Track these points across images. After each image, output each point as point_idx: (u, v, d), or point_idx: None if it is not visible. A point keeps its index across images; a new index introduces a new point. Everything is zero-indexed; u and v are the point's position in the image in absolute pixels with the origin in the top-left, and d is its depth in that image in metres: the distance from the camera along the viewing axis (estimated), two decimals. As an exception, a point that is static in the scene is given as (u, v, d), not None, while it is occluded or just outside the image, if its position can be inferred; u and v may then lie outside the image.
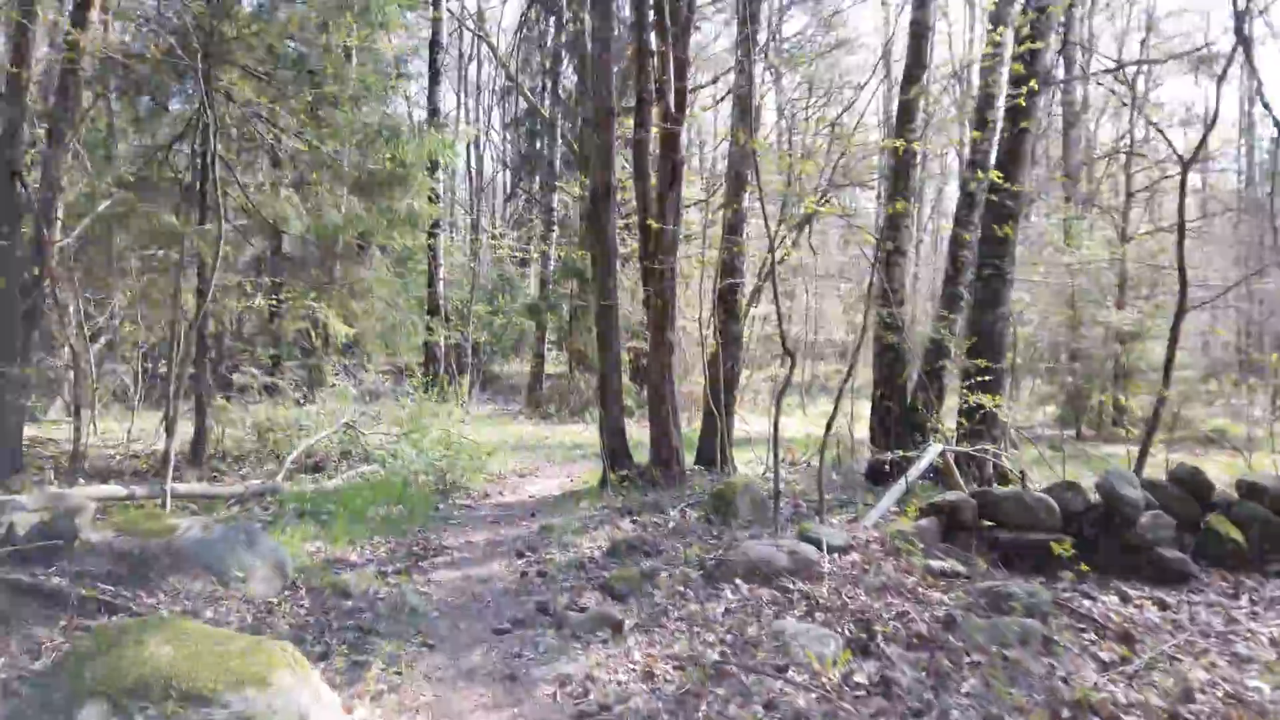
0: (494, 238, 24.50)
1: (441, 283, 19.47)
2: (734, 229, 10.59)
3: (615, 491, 8.57)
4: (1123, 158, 20.58)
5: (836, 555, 5.36)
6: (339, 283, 9.95)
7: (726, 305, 10.64)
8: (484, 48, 33.98)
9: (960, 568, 5.25)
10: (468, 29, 26.58)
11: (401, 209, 9.46)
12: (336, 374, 10.96)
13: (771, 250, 6.86)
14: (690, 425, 14.24)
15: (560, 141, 21.81)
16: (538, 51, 32.98)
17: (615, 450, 9.22)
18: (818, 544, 5.36)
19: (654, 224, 8.70)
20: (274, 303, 9.89)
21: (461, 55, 33.80)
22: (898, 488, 7.99)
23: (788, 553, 5.20)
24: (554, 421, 17.11)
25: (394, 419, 10.29)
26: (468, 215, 30.78)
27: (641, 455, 10.40)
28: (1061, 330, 17.82)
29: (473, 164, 31.65)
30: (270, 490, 7.33)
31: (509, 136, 39.24)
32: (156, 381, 11.76)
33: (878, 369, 10.80)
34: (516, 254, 25.77)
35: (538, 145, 31.54)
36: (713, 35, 24.93)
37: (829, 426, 6.94)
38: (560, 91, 23.34)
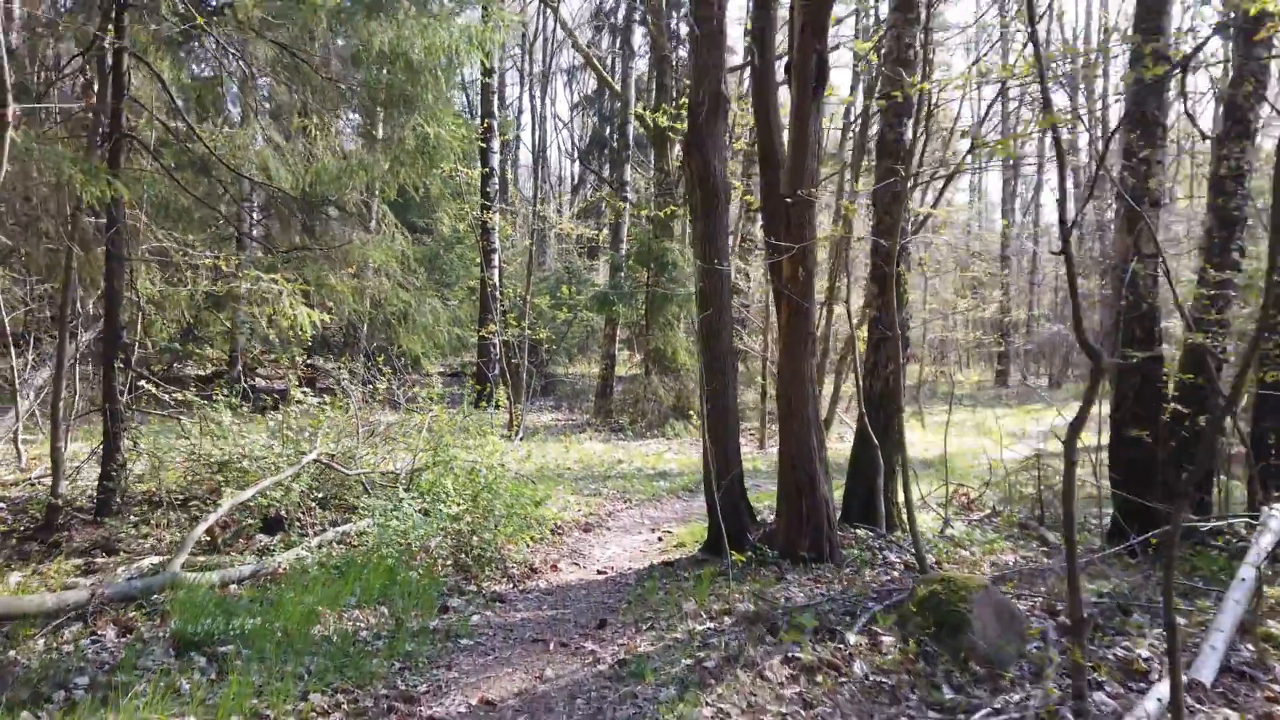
0: (559, 228, 21.51)
1: (496, 270, 16.52)
2: (894, 163, 7.09)
3: (738, 576, 5.31)
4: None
5: None
6: (313, 248, 6.84)
7: (883, 282, 7.20)
8: (550, 26, 31.36)
9: None
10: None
11: (409, 139, 6.36)
12: (340, 383, 7.99)
13: (1104, 146, 3.45)
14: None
15: (632, 119, 18.62)
16: (608, 29, 30.11)
17: (731, 509, 5.97)
18: None
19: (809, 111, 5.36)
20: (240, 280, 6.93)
21: (524, 33, 31.18)
22: (1243, 585, 4.50)
23: None
24: (627, 436, 13.92)
25: (409, 448, 7.26)
26: (528, 204, 28.07)
27: (756, 493, 7.12)
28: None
29: (535, 135, 28.96)
30: (148, 588, 4.24)
31: (576, 120, 36.51)
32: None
33: (1122, 377, 7.09)
34: (585, 244, 22.73)
35: (607, 131, 28.64)
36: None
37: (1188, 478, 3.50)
38: (630, 47, 20.18)
